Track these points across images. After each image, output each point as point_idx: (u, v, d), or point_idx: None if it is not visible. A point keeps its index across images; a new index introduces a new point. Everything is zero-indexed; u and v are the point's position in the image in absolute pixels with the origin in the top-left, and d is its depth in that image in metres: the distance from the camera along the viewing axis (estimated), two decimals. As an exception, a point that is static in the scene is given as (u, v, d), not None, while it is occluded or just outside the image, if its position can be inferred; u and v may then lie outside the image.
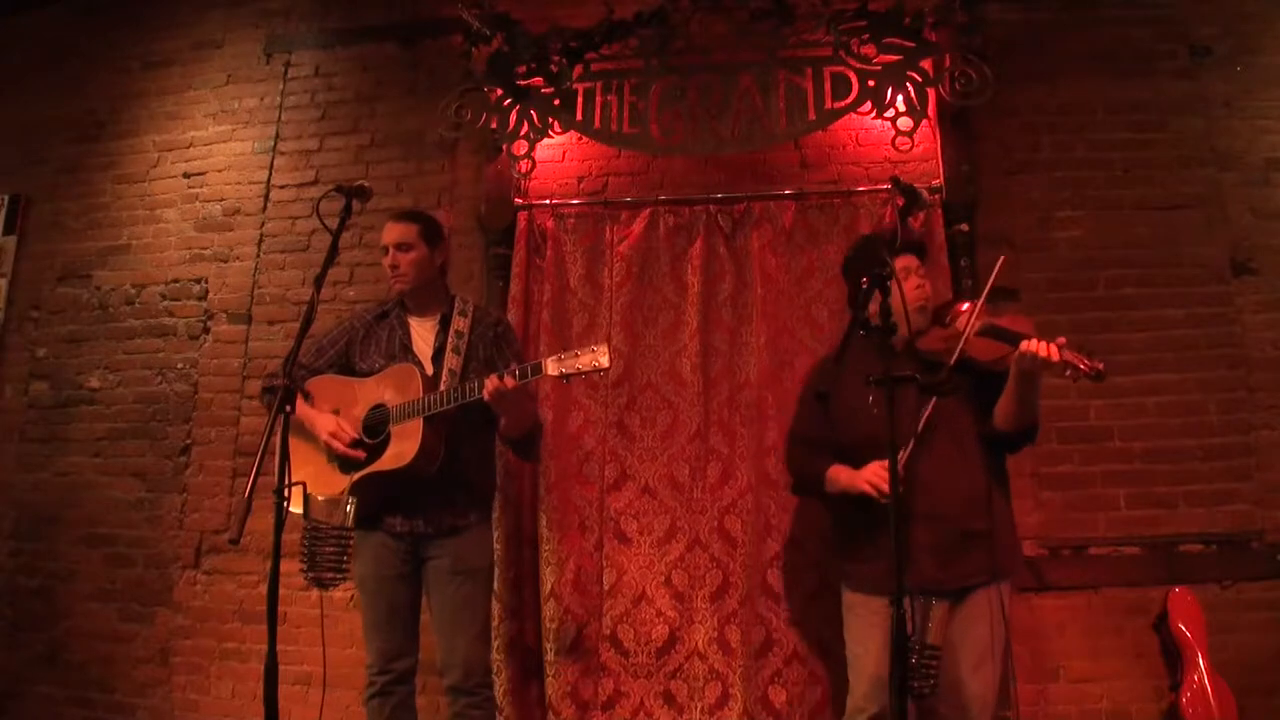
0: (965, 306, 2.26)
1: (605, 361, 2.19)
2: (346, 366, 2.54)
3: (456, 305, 2.55)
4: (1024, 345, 1.96)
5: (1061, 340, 1.95)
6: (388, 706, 2.37)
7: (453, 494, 2.41)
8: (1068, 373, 1.93)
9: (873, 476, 2.08)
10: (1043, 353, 1.93)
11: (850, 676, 2.24)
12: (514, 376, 2.23)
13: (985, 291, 2.16)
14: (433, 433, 2.31)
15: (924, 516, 2.06)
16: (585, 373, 2.21)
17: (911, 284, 2.22)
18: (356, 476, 2.33)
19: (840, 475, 2.20)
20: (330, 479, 2.37)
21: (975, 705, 2.05)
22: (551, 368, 2.23)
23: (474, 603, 2.42)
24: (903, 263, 2.21)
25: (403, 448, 2.31)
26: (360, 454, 2.34)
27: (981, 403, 2.17)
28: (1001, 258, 2.16)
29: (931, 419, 2.07)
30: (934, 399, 2.05)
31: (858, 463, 2.15)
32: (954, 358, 2.06)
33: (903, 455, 1.99)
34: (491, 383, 2.22)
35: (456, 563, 2.39)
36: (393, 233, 2.50)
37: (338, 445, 2.34)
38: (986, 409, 2.16)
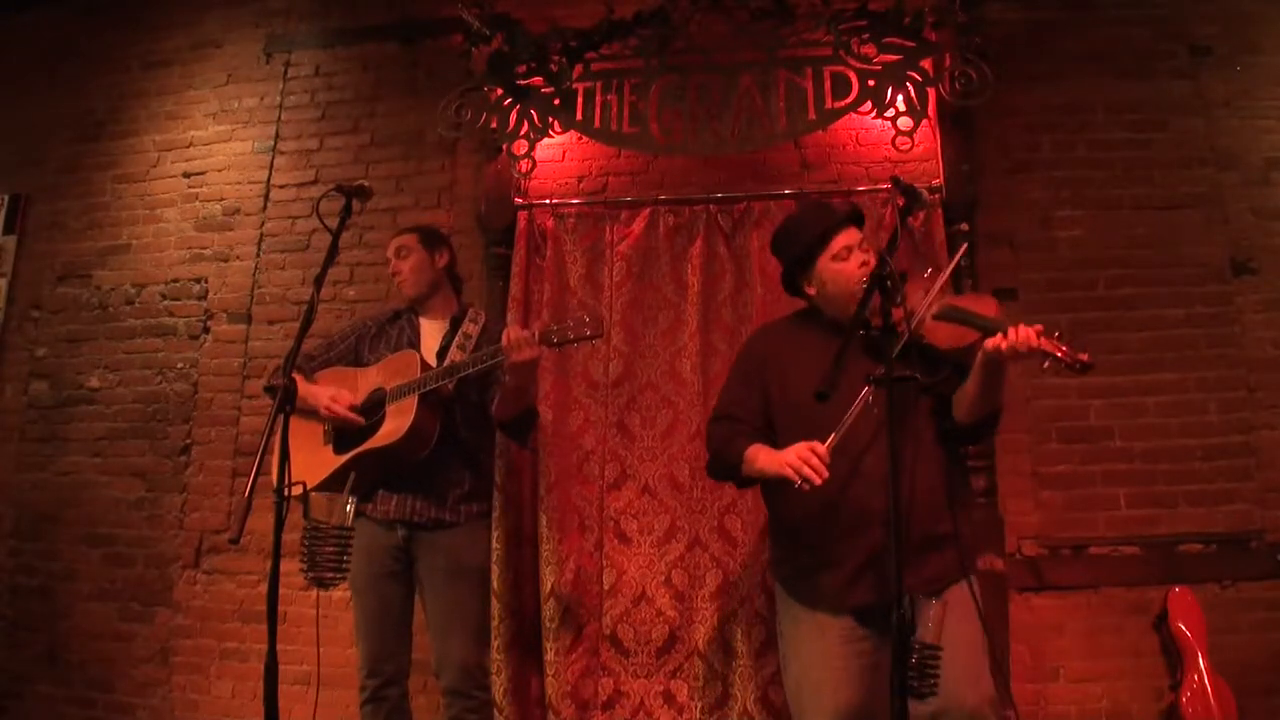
0: (921, 281, 2.01)
1: (599, 330, 2.22)
2: (355, 362, 2.56)
3: (470, 314, 2.58)
4: (994, 338, 1.74)
5: (1039, 327, 1.71)
6: (380, 713, 2.37)
7: (447, 482, 2.41)
8: (1046, 364, 1.69)
9: (795, 459, 1.78)
10: (1018, 343, 1.69)
11: (798, 701, 1.98)
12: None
13: (945, 274, 1.97)
14: (428, 412, 2.32)
15: (876, 518, 1.80)
16: (574, 341, 2.21)
17: (856, 261, 1.99)
18: (349, 455, 2.34)
19: (759, 455, 1.93)
20: (324, 459, 2.38)
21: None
22: (541, 336, 2.23)
23: (467, 604, 2.43)
24: (843, 240, 2.01)
25: (396, 424, 2.32)
26: (359, 419, 2.35)
27: (936, 393, 1.95)
28: (964, 245, 2.07)
29: (872, 408, 1.81)
30: (869, 386, 1.79)
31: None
32: (901, 342, 1.80)
33: (832, 440, 1.79)
34: (514, 333, 2.19)
35: (450, 563, 2.39)
36: (392, 244, 2.61)
37: (337, 408, 2.34)
38: (943, 400, 1.96)
